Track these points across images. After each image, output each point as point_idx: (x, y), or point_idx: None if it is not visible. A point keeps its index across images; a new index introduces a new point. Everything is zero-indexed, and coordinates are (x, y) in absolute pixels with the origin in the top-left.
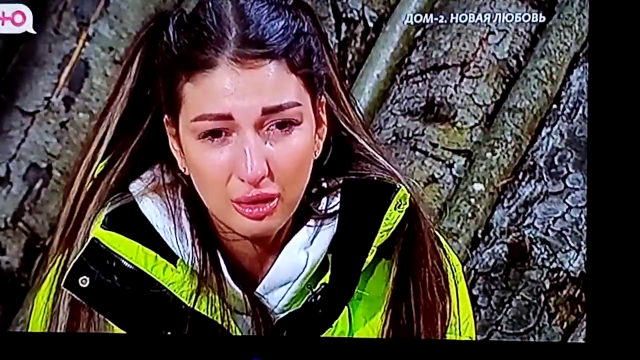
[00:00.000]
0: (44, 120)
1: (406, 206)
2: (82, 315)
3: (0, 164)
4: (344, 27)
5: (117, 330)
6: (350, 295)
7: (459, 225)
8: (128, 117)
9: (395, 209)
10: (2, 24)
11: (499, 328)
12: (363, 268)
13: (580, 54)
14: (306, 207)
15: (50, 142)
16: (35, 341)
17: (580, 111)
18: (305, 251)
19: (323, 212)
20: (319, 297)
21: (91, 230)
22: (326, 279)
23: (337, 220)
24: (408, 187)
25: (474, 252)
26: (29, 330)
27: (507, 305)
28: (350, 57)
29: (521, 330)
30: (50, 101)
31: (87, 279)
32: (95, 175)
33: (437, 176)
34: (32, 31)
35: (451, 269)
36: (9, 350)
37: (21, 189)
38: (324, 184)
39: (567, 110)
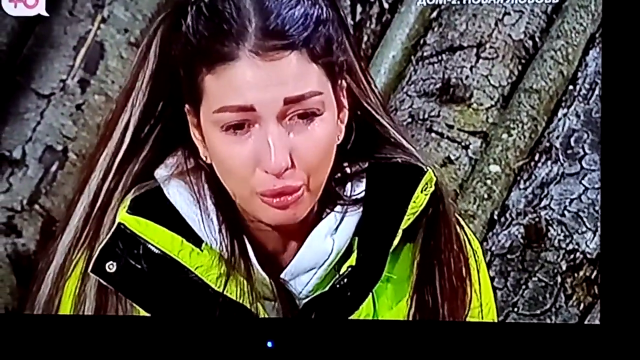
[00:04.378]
0: (59, 102)
1: (432, 189)
2: (110, 303)
3: (16, 146)
4: (359, 8)
5: (143, 314)
6: (378, 278)
7: (475, 207)
8: (150, 105)
9: (422, 191)
10: (15, 7)
11: (516, 309)
12: (390, 250)
13: (597, 35)
14: (331, 193)
15: (65, 124)
16: (53, 323)
17: (596, 92)
18: (331, 237)
19: (349, 197)
20: (345, 279)
21: (117, 216)
22: (352, 261)
23: (362, 205)
24: (433, 170)
25: (490, 234)
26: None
27: (523, 286)
28: (365, 38)
29: (538, 312)
30: (65, 83)
31: (114, 264)
32: (118, 163)
33: (453, 158)
34: (45, 13)
35: (473, 252)
36: (26, 332)
37: (37, 172)
38: (348, 169)
39: (584, 91)
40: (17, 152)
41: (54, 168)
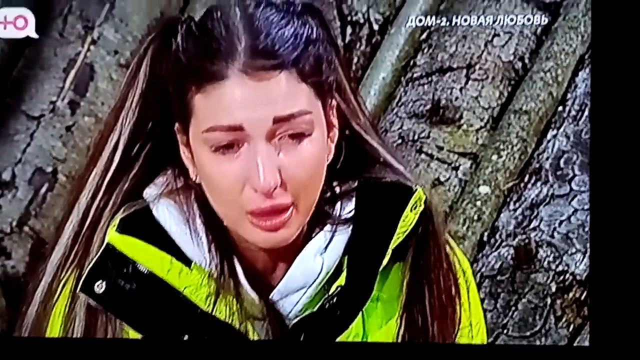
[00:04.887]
0: (49, 124)
1: (421, 208)
2: (99, 322)
3: (6, 168)
4: (349, 29)
5: (134, 335)
6: (367, 297)
7: (464, 228)
8: (140, 124)
9: (411, 210)
10: (4, 28)
11: (505, 331)
12: (380, 270)
13: (586, 56)
14: (321, 212)
15: (55, 146)
16: (42, 346)
17: (586, 113)
18: (320, 257)
19: (338, 217)
20: (335, 299)
21: (106, 235)
22: (341, 281)
23: (352, 224)
24: (423, 189)
25: (480, 255)
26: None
27: (513, 308)
28: (355, 59)
29: (527, 334)
30: (55, 105)
31: (103, 283)
32: (108, 182)
33: (442, 179)
34: (35, 35)
35: (462, 272)
36: (15, 355)
37: (27, 193)
38: (338, 188)
39: (573, 113)
40: (7, 174)
41: (43, 190)
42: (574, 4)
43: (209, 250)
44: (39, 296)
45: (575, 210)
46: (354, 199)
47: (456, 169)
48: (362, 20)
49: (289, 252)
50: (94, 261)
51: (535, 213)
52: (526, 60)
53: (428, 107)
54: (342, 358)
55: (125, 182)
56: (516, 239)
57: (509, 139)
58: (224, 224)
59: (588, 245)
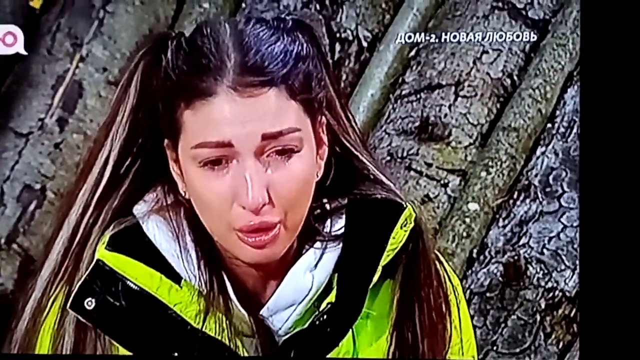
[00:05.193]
0: (37, 141)
1: (411, 225)
2: (88, 339)
3: None
4: (337, 46)
5: (123, 352)
6: (358, 314)
7: (454, 245)
8: (130, 140)
9: (401, 227)
10: None
11: (495, 348)
12: (370, 287)
13: (574, 73)
14: (311, 229)
15: (44, 163)
16: None
17: (574, 130)
18: (310, 274)
19: (328, 234)
20: (325, 316)
21: (96, 252)
22: (331, 298)
23: (342, 241)
24: (412, 206)
25: (469, 272)
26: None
27: (502, 325)
28: (344, 76)
29: (517, 350)
30: (44, 122)
31: (93, 300)
32: (98, 198)
33: (432, 196)
34: (23, 52)
35: (452, 289)
36: None
37: (15, 211)
38: (328, 205)
39: (562, 129)
40: None
41: (32, 207)
42: (562, 21)
43: (199, 267)
44: (28, 312)
45: (565, 227)
46: (344, 216)
47: (445, 185)
48: (350, 38)
49: (278, 269)
50: (83, 278)
51: (524, 230)
52: (515, 77)
53: (417, 124)
54: None
55: (115, 199)
56: (505, 256)
57: (498, 156)
58: (213, 240)
59: (577, 262)
